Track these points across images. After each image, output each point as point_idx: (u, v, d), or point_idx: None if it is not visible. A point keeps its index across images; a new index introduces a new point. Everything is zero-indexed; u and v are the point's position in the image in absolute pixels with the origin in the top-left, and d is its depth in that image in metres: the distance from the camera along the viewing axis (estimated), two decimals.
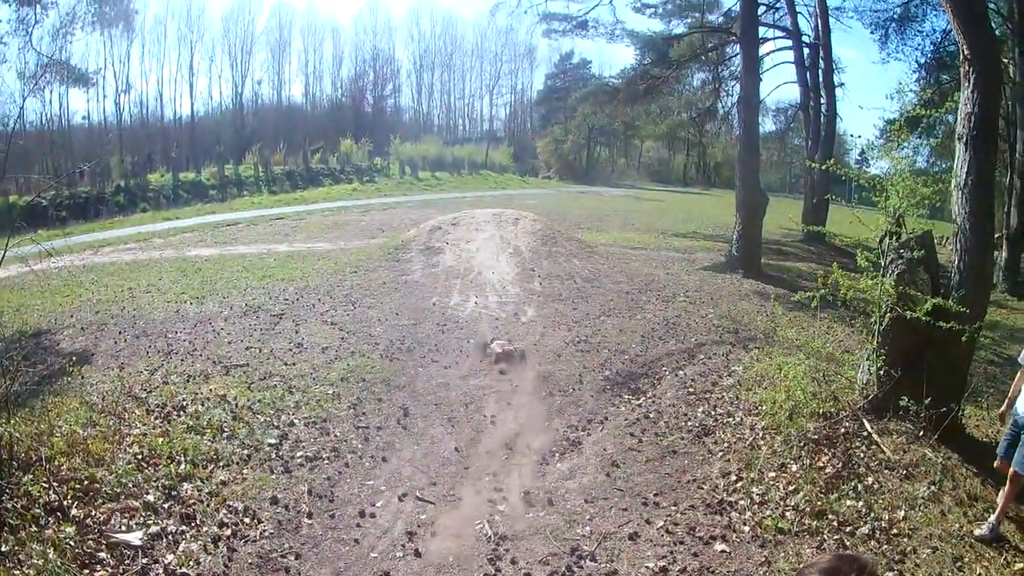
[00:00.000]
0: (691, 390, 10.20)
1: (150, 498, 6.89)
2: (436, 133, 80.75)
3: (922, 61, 29.81)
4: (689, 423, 9.14)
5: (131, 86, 70.96)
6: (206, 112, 77.96)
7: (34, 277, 13.85)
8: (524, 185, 58.53)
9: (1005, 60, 16.91)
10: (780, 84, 56.12)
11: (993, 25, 23.11)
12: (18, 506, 6.28)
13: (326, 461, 8.15)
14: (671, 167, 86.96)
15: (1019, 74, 19.42)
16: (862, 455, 7.72)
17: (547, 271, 16.54)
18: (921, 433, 7.76)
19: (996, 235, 10.70)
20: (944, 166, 16.43)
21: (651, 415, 9.47)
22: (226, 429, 8.58)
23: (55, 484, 6.68)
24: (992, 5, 24.34)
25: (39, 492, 6.52)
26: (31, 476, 6.67)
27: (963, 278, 8.23)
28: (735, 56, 30.01)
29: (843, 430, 8.05)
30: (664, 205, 42.49)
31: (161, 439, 8.04)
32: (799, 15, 30.71)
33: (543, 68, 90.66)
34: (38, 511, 6.28)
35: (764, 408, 8.98)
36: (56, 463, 7.06)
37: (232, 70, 77.33)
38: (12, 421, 6.48)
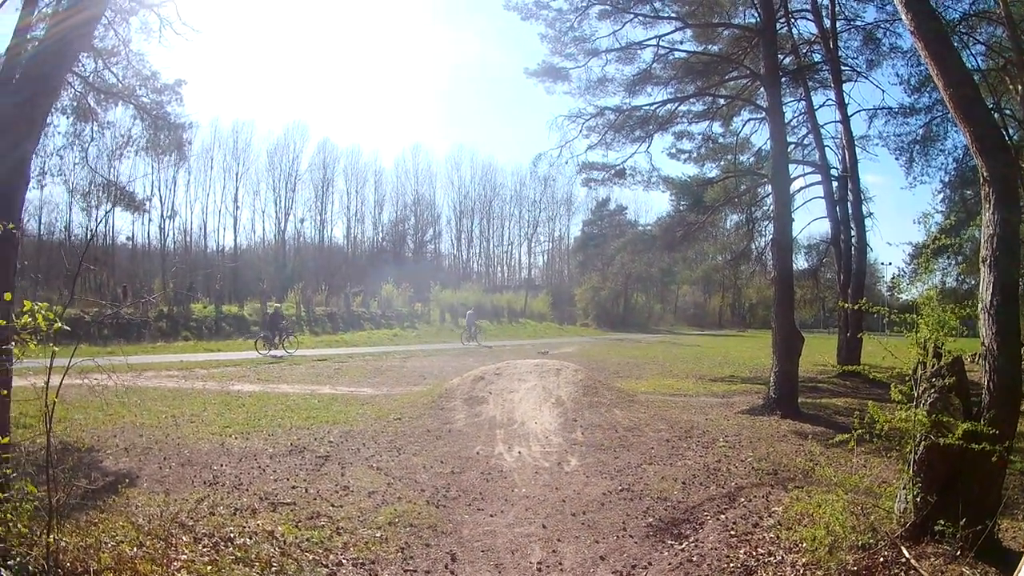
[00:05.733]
0: (732, 532, 10.09)
1: None
2: (475, 280, 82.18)
3: (946, 180, 30.55)
4: (731, 565, 9.01)
5: (176, 212, 72.81)
6: (248, 245, 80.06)
7: (76, 392, 14.03)
8: (562, 333, 58.74)
9: None
10: (812, 220, 56.68)
11: (1010, 133, 23.50)
12: None
13: None
14: (706, 310, 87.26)
15: None
16: None
17: (589, 421, 16.55)
18: (958, 553, 7.70)
19: None
20: (973, 283, 16.49)
21: (694, 559, 9.37)
22: (275, 564, 8.60)
23: None
24: (1008, 111, 24.75)
25: None
26: None
27: (993, 398, 8.30)
28: (767, 196, 30.50)
29: (882, 559, 7.97)
30: (701, 349, 42.53)
31: (209, 567, 8.08)
32: (826, 148, 31.35)
33: (580, 214, 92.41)
34: None
35: (804, 545, 8.91)
36: None
37: (275, 206, 79.87)
38: (59, 532, 6.58)
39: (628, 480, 13.01)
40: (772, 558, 8.99)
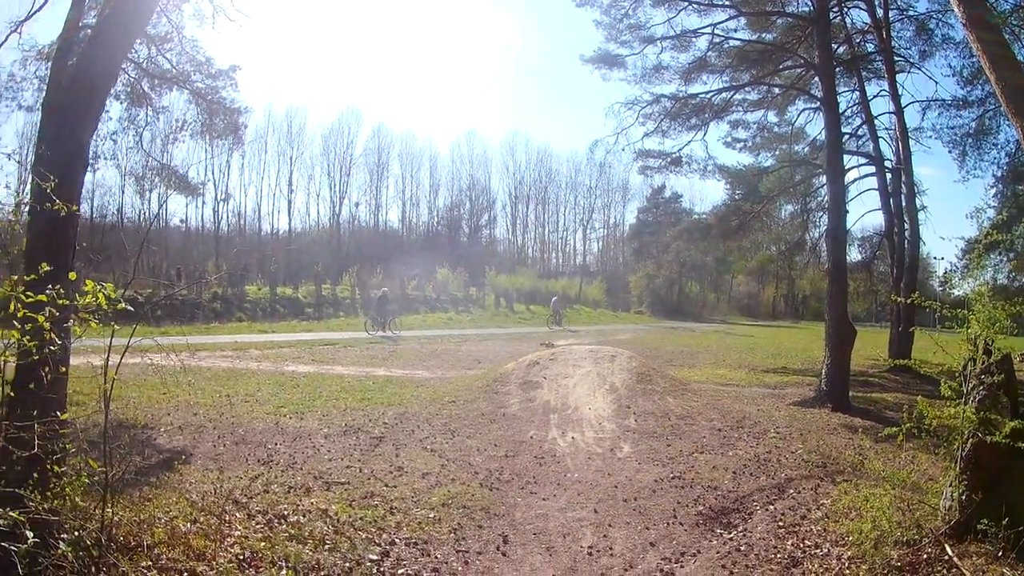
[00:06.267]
0: (781, 523, 10.12)
1: None
2: (530, 266, 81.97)
3: (999, 174, 29.93)
4: (778, 555, 9.06)
5: (230, 196, 73.36)
6: (303, 228, 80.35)
7: (130, 371, 14.27)
8: (616, 320, 58.55)
9: None
10: (865, 212, 55.97)
11: None
12: None
13: None
14: (760, 300, 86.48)
15: None
16: None
17: (642, 408, 16.54)
18: (1000, 553, 7.67)
19: None
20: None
21: (742, 548, 9.41)
22: (328, 541, 8.74)
23: (155, 571, 6.94)
24: None
25: None
26: (130, 560, 6.92)
27: None
28: (822, 187, 30.16)
29: (925, 556, 7.96)
30: (754, 340, 42.28)
31: (263, 543, 8.27)
32: (880, 139, 30.83)
33: (636, 202, 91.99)
34: None
35: (851, 539, 8.92)
36: (156, 551, 7.31)
37: (330, 190, 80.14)
38: (113, 507, 6.73)
39: (680, 468, 13.03)
40: (819, 550, 9.02)
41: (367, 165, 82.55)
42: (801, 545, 9.28)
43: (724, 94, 27.89)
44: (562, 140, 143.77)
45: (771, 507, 10.91)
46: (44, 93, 15.19)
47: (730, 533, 10.03)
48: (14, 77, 23.73)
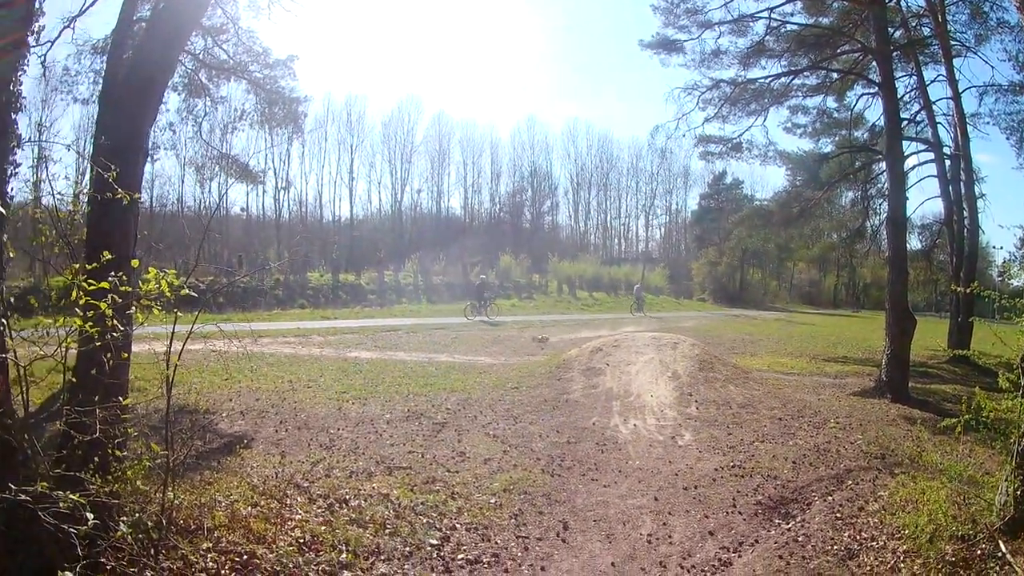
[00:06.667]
0: (838, 515, 10.06)
1: None
2: (593, 252, 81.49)
3: None
4: (835, 547, 9.03)
5: (291, 184, 73.88)
6: (365, 216, 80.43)
7: (191, 357, 14.52)
8: (679, 307, 58.43)
9: None
10: (925, 200, 55.09)
11: None
12: (174, 567, 6.71)
13: (486, 566, 8.35)
14: (821, 288, 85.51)
15: None
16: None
17: (704, 396, 16.57)
18: None
19: None
20: None
21: (799, 539, 9.40)
22: (388, 526, 8.91)
23: (214, 554, 7.11)
24: None
25: (196, 559, 6.95)
26: (190, 542, 7.11)
27: None
28: (881, 174, 29.82)
29: (979, 552, 7.87)
30: (815, 329, 41.92)
31: (323, 527, 8.44)
32: (939, 125, 30.38)
33: (697, 188, 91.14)
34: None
35: (907, 532, 8.85)
36: (216, 534, 7.50)
37: (391, 177, 79.92)
38: (174, 489, 6.87)
39: (740, 457, 13.02)
40: (875, 543, 8.97)
41: (428, 152, 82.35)
42: (858, 537, 9.24)
43: (783, 79, 27.64)
44: (622, 127, 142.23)
45: (829, 498, 10.86)
46: (100, 86, 15.49)
47: (788, 523, 10.02)
48: (69, 71, 24.41)
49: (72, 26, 14.36)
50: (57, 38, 13.70)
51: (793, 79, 28.38)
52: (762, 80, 27.30)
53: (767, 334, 38.39)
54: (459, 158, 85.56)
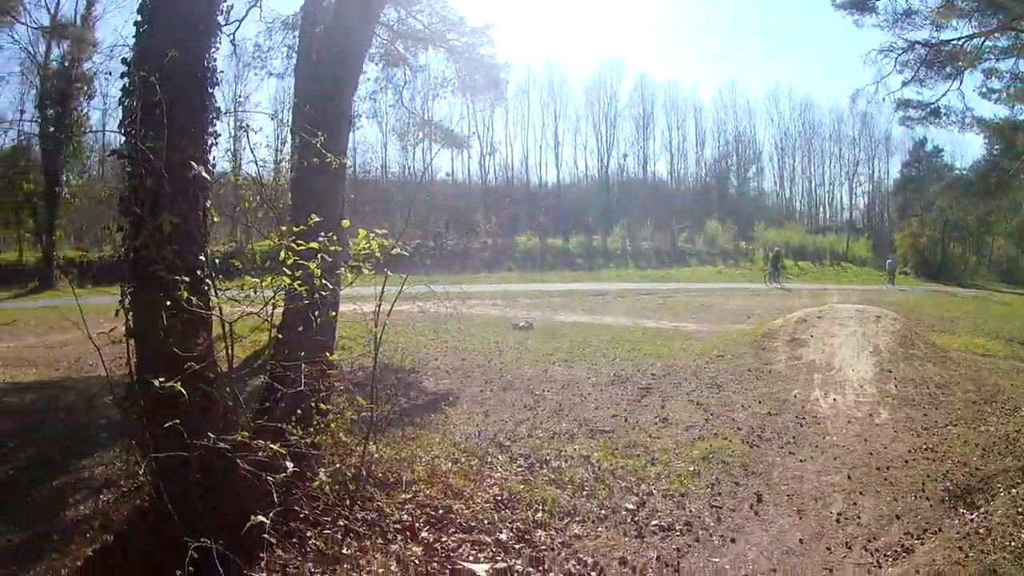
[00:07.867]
0: (1020, 510, 9.58)
1: (503, 536, 7.47)
2: (798, 220, 79.58)
3: None
4: (1013, 544, 8.61)
5: (496, 149, 74.65)
6: (571, 180, 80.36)
7: (398, 317, 14.96)
8: (882, 280, 56.27)
9: None
10: None
11: None
12: (368, 518, 7.02)
13: (678, 533, 8.39)
14: (1019, 265, 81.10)
15: None
16: None
17: (903, 373, 16.00)
18: None
19: None
20: None
21: (980, 531, 9.01)
22: (586, 488, 9.09)
23: (411, 506, 7.42)
24: None
25: (392, 510, 7.25)
26: (387, 495, 7.42)
27: None
28: None
29: None
30: (1012, 309, 39.85)
31: (522, 486, 8.70)
32: None
33: (899, 155, 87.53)
34: (387, 526, 6.98)
35: None
36: (415, 488, 7.82)
37: (597, 141, 79.33)
38: (376, 443, 7.11)
39: (933, 440, 12.53)
40: None
41: (632, 116, 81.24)
42: None
43: (974, 40, 26.41)
44: (823, 90, 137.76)
45: (1013, 491, 10.37)
46: (294, 60, 16.09)
47: (972, 513, 9.63)
48: (260, 48, 25.13)
49: (259, 3, 14.93)
50: (245, 16, 14.24)
51: (984, 41, 27.09)
52: (954, 42, 26.16)
53: (965, 312, 36.80)
54: (664, 122, 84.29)
